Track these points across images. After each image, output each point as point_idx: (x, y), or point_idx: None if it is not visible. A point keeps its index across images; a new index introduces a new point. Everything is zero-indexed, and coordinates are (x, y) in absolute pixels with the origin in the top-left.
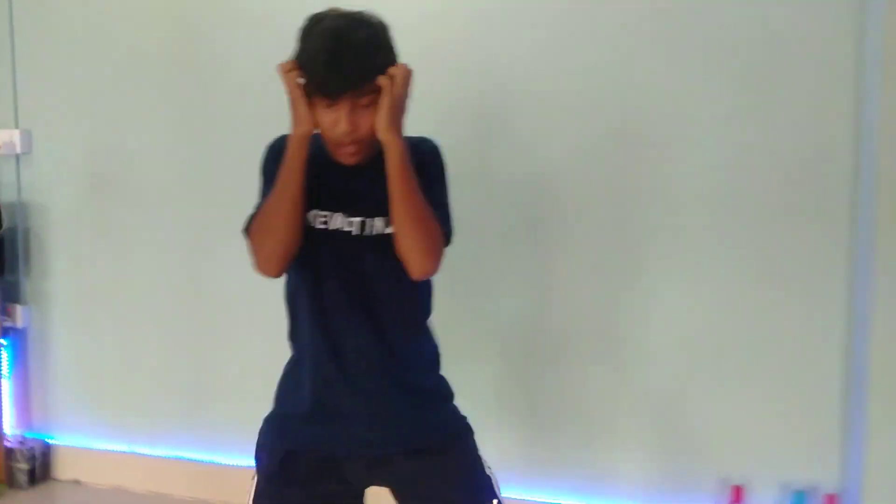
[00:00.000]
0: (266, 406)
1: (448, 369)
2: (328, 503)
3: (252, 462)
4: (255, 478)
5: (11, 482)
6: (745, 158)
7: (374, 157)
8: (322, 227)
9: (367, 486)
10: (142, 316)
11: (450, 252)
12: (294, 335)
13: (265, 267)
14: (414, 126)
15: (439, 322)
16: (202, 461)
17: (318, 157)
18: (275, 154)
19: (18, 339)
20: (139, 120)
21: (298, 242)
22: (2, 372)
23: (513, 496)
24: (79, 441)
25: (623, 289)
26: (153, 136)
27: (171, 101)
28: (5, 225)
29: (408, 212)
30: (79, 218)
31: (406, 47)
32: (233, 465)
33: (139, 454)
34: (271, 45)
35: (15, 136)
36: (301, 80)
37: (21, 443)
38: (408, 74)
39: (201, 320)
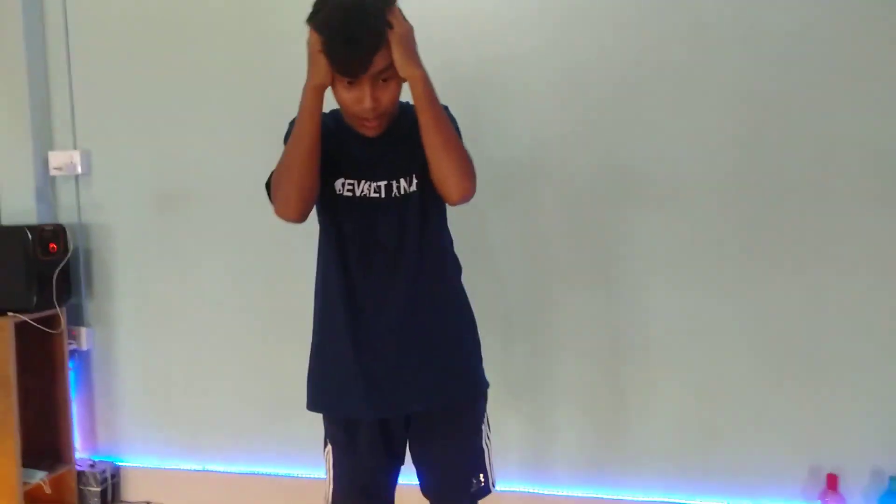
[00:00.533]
0: None
1: None
2: (383, 449)
3: None
4: (328, 442)
5: None
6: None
7: (392, 122)
8: (349, 194)
9: (404, 434)
10: (212, 333)
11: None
12: (325, 312)
13: (283, 210)
14: None
15: None
16: (280, 475)
17: (337, 128)
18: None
19: (83, 362)
20: (201, 137)
21: (315, 189)
22: (71, 395)
23: (585, 493)
24: (149, 462)
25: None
26: (216, 153)
27: (234, 117)
28: (39, 253)
29: (441, 137)
30: (142, 238)
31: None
32: (313, 478)
33: (213, 471)
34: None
35: (76, 157)
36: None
37: (91, 466)
38: (398, 11)
39: (275, 334)
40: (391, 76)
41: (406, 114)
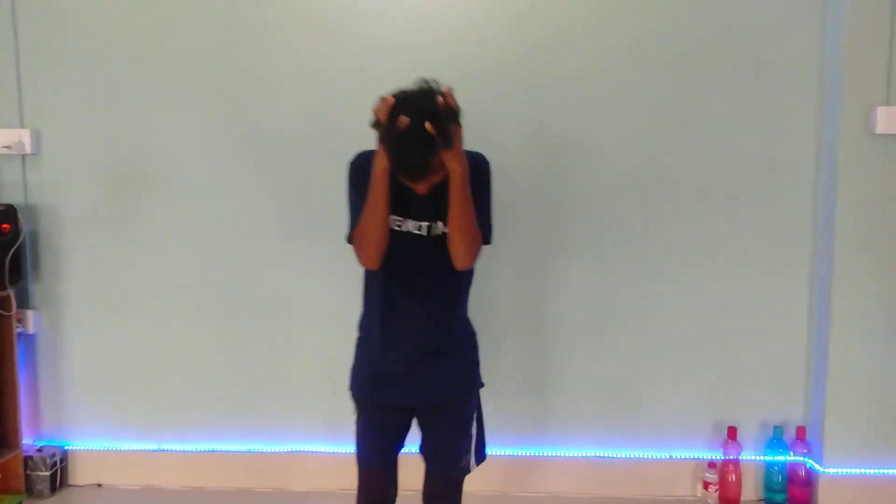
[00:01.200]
0: (300, 393)
1: None
2: (401, 420)
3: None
4: (357, 415)
5: (31, 491)
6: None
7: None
8: (397, 228)
9: (415, 413)
10: (164, 316)
11: None
12: (366, 317)
13: (368, 265)
14: None
15: None
16: (238, 451)
17: (393, 172)
18: (357, 169)
19: (29, 345)
20: (157, 117)
21: (387, 243)
22: (17, 379)
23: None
24: (99, 444)
25: (643, 272)
26: (173, 134)
27: (191, 98)
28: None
29: (460, 221)
30: (94, 220)
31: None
32: (271, 452)
33: (169, 451)
34: (299, 44)
35: (24, 135)
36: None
37: (38, 450)
38: (459, 130)
39: (229, 316)
40: (439, 169)
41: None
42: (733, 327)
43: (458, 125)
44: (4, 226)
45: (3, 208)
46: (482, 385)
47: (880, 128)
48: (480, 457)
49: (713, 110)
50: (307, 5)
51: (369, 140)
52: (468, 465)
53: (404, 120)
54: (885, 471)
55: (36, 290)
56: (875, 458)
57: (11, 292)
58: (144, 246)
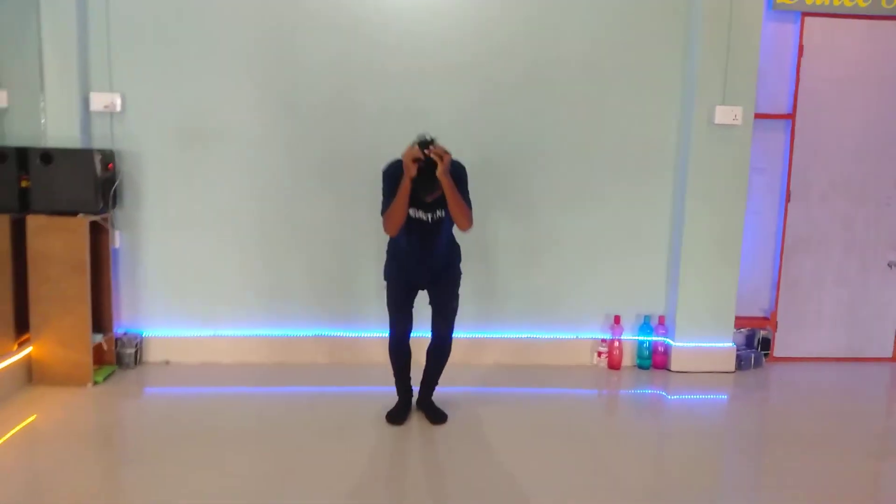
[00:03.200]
0: (334, 286)
1: None
2: (412, 292)
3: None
4: (387, 285)
5: (120, 364)
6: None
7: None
8: (413, 215)
9: (424, 287)
10: (219, 235)
11: None
12: (393, 241)
13: (389, 233)
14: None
15: None
16: (274, 335)
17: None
18: (388, 175)
19: (114, 257)
20: (215, 84)
21: (404, 222)
22: (112, 282)
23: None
24: (167, 331)
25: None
26: (226, 98)
27: (241, 70)
28: (101, 170)
29: (454, 207)
30: (164, 163)
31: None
32: (301, 336)
33: (220, 335)
34: (332, 35)
35: (116, 98)
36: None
37: (124, 335)
38: (448, 158)
39: (269, 235)
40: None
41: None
42: (619, 249)
43: (447, 154)
44: (110, 165)
45: (108, 152)
46: (461, 273)
47: (717, 119)
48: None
49: (612, 103)
50: (333, 4)
51: (378, 103)
52: (455, 308)
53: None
54: (712, 344)
55: (120, 216)
56: (706, 335)
57: (111, 215)
58: (202, 183)
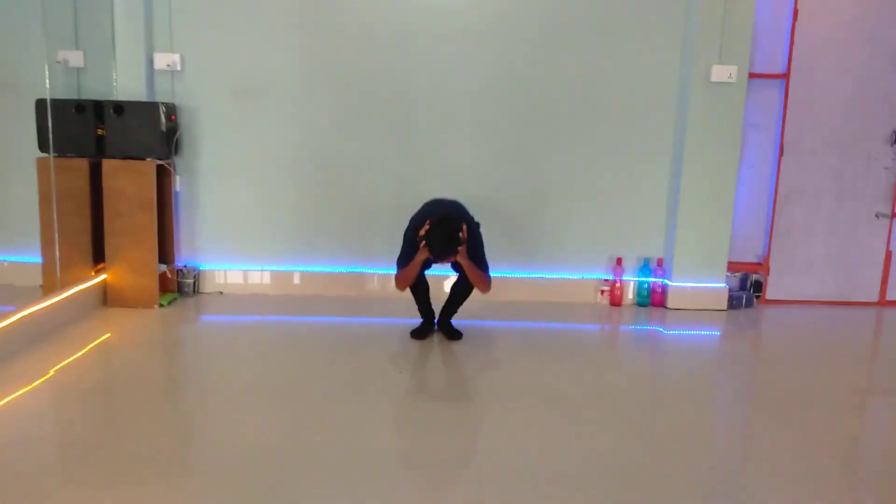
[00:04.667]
0: (367, 227)
1: None
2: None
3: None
4: (404, 243)
5: (180, 292)
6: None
7: None
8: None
9: None
10: (268, 182)
11: None
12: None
13: (400, 289)
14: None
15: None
16: (316, 270)
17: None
18: (411, 229)
19: (175, 200)
20: (265, 45)
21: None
22: (174, 220)
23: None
24: (221, 265)
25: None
26: (275, 58)
27: (289, 32)
28: (165, 121)
29: (473, 279)
30: (219, 116)
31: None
32: (338, 271)
33: (268, 269)
34: (368, 6)
35: (176, 58)
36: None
37: (184, 266)
38: (464, 247)
39: (316, 179)
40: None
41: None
42: (623, 196)
43: (463, 244)
44: (172, 116)
45: (171, 105)
46: (479, 224)
47: (714, 77)
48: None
49: (616, 61)
50: None
51: (406, 63)
52: (484, 258)
53: (425, 229)
54: (706, 284)
55: (179, 162)
56: (700, 276)
57: (173, 161)
58: (252, 134)
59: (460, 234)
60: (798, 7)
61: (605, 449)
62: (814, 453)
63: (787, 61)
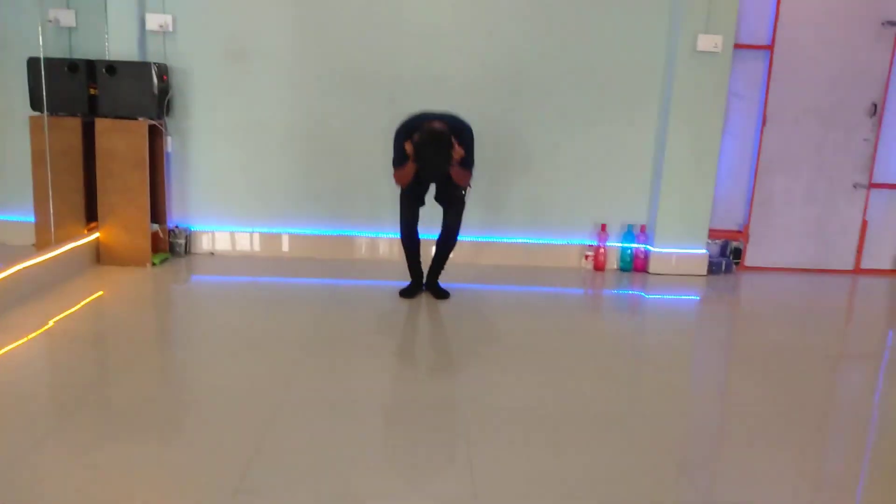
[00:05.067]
0: (356, 191)
1: None
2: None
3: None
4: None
5: (172, 252)
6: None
7: None
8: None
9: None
10: (260, 144)
11: None
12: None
13: (401, 185)
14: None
15: None
16: (305, 233)
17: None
18: (400, 135)
19: (167, 161)
20: (256, 9)
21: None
22: (165, 180)
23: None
24: (212, 227)
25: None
26: (266, 22)
27: (288, 1)
28: (157, 82)
29: (458, 180)
30: (210, 78)
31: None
32: (327, 234)
33: (258, 231)
34: None
35: (168, 20)
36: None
37: (176, 227)
38: (460, 154)
39: (306, 143)
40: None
41: (454, 130)
42: (608, 163)
43: (454, 162)
44: (164, 77)
45: (164, 66)
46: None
47: (699, 47)
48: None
49: (604, 30)
50: None
51: (395, 32)
52: (462, 197)
53: (410, 146)
54: (687, 250)
55: (170, 124)
56: (681, 242)
57: (165, 122)
58: (242, 97)
59: (451, 150)
60: None
61: (586, 396)
62: (786, 405)
63: (771, 33)
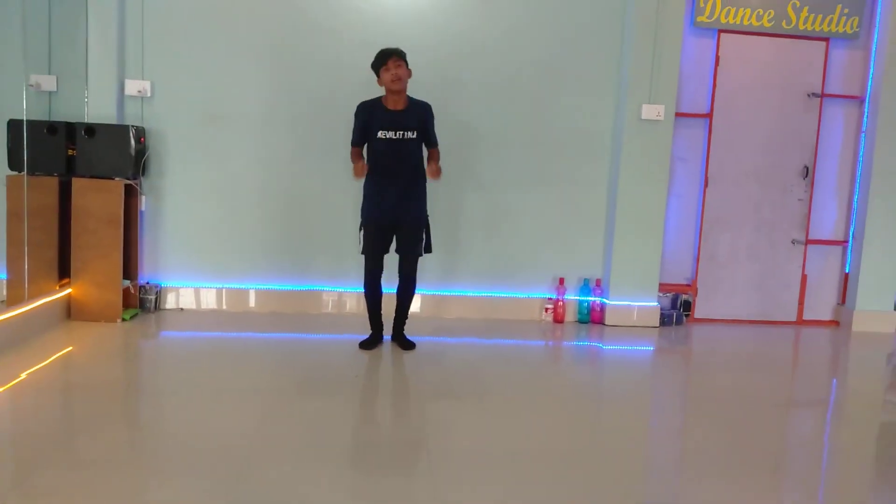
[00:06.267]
0: (324, 248)
1: None
2: (387, 234)
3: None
4: (362, 229)
5: (142, 307)
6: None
7: (406, 106)
8: (382, 136)
9: (395, 230)
10: (233, 202)
11: None
12: (367, 174)
13: (354, 162)
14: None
15: None
16: (273, 288)
17: (380, 109)
18: (358, 113)
19: (140, 219)
20: (230, 75)
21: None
22: (138, 238)
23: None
24: (182, 283)
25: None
26: (239, 87)
27: (252, 65)
28: (134, 144)
29: (436, 164)
30: (185, 140)
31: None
32: (294, 289)
33: (229, 287)
34: (327, 38)
35: (146, 85)
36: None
37: (146, 283)
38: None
39: (275, 201)
40: (403, 66)
41: (414, 103)
42: (564, 222)
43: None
44: (142, 139)
45: (141, 128)
46: (427, 217)
47: (644, 115)
48: (428, 250)
49: (558, 100)
50: (342, 18)
51: (358, 89)
52: (421, 252)
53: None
54: (640, 303)
55: (146, 183)
56: (635, 295)
57: (141, 181)
58: (215, 158)
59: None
60: (720, 54)
61: (547, 437)
62: (739, 446)
63: (710, 102)
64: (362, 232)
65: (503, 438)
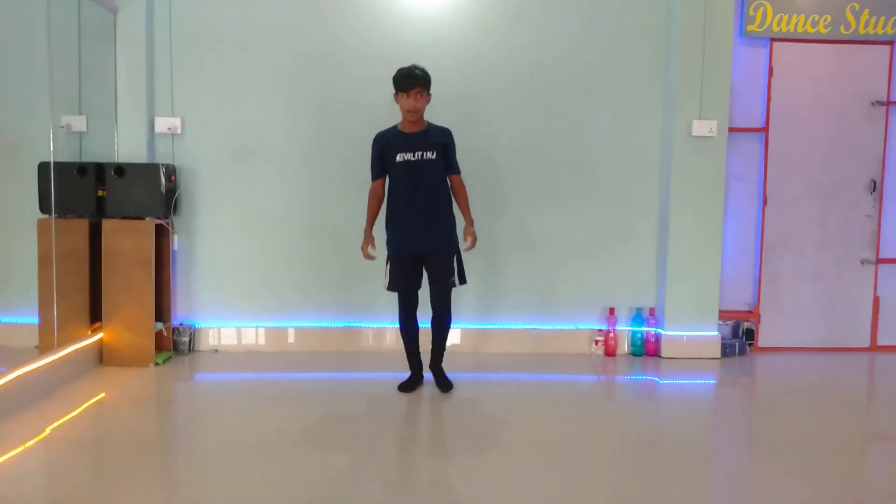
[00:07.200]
0: (359, 282)
1: None
2: (416, 266)
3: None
4: (389, 262)
5: (176, 350)
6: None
7: (424, 128)
8: (401, 159)
9: (423, 261)
10: (264, 239)
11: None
12: (390, 205)
13: (371, 196)
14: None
15: None
16: (311, 325)
17: (397, 134)
18: (374, 144)
19: (172, 258)
20: (259, 110)
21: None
22: (171, 278)
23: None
24: (216, 323)
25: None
26: (268, 122)
27: (280, 98)
28: (165, 182)
29: (463, 202)
30: (216, 176)
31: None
32: (332, 326)
33: (264, 326)
34: (356, 73)
35: (177, 122)
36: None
37: (180, 325)
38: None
39: (309, 239)
40: (423, 94)
41: (432, 127)
42: (612, 247)
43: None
44: (172, 177)
45: (171, 166)
46: (459, 246)
47: (695, 132)
48: (462, 281)
49: (603, 118)
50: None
51: (385, 120)
52: (454, 283)
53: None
54: (698, 333)
55: (177, 222)
56: (692, 324)
57: (172, 221)
58: (247, 194)
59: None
60: (773, 64)
61: (600, 492)
62: (815, 500)
63: (765, 115)
64: (388, 266)
65: (551, 495)
